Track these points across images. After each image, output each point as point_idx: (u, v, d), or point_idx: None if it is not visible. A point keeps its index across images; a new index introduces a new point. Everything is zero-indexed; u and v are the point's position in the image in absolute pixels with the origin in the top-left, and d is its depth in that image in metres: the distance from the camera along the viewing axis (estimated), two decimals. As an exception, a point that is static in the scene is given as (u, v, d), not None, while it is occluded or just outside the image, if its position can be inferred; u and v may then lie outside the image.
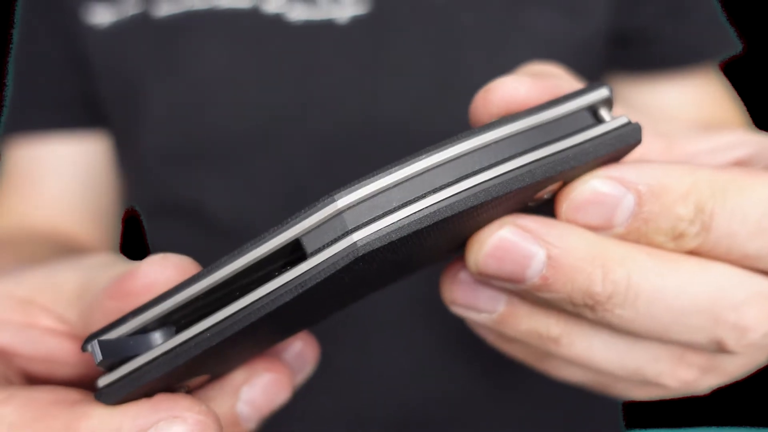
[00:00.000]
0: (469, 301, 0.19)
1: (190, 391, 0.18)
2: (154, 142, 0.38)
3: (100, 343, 0.15)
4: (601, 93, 0.16)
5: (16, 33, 0.43)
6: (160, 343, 0.15)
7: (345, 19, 0.36)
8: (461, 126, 0.17)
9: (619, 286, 0.16)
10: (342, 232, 0.14)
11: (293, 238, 0.14)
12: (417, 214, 0.14)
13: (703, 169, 0.16)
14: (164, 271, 0.16)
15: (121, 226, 0.46)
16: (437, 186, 0.15)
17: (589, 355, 0.18)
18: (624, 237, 0.16)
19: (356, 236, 0.14)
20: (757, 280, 0.17)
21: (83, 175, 0.42)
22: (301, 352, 0.20)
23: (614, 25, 0.40)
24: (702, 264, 0.16)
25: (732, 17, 0.44)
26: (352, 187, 0.14)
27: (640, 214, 0.16)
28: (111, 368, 0.16)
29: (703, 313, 0.16)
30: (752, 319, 0.17)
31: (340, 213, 0.14)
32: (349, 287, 0.16)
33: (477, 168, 0.15)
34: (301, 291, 0.14)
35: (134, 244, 0.50)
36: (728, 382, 0.20)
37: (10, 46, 0.44)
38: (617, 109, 0.19)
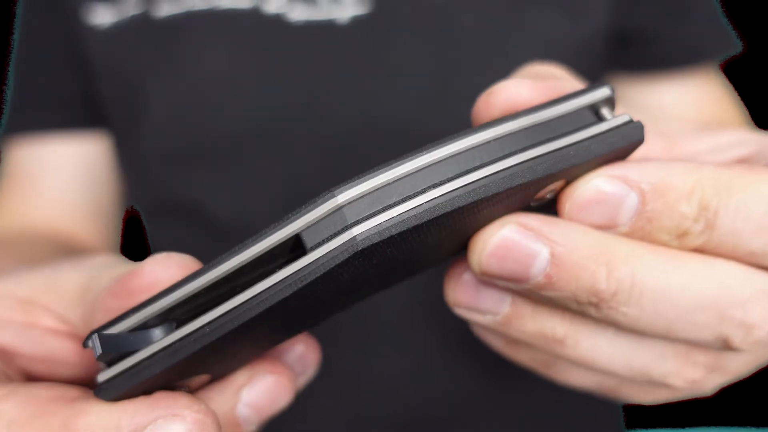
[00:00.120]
0: (472, 302, 0.18)
1: (191, 392, 0.18)
2: (154, 142, 0.38)
3: (101, 336, 0.15)
4: (603, 92, 0.16)
5: (16, 33, 0.43)
6: (160, 339, 0.15)
7: (345, 19, 0.36)
8: (461, 126, 0.17)
9: (623, 283, 0.16)
10: (342, 227, 0.14)
11: (293, 234, 0.14)
12: (417, 209, 0.14)
13: (707, 167, 0.16)
14: (167, 270, 0.16)
15: (121, 226, 0.46)
16: (437, 181, 0.15)
17: (594, 355, 0.18)
18: (628, 236, 0.16)
19: (356, 230, 0.14)
20: (763, 277, 0.17)
21: (83, 176, 0.42)
22: (303, 354, 0.20)
23: (614, 25, 0.40)
24: (706, 261, 0.16)
25: (732, 17, 0.44)
26: (353, 183, 0.14)
27: (644, 213, 0.16)
28: (111, 364, 0.16)
29: (709, 311, 0.16)
30: (758, 316, 0.17)
31: (340, 208, 0.14)
32: (350, 286, 0.16)
33: (477, 164, 0.15)
34: (300, 285, 0.14)
35: (135, 244, 0.50)
36: (733, 381, 0.20)
37: (11, 46, 0.44)
38: (618, 108, 0.19)
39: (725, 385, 0.20)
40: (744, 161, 0.19)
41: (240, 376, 0.18)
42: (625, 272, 0.16)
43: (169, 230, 0.40)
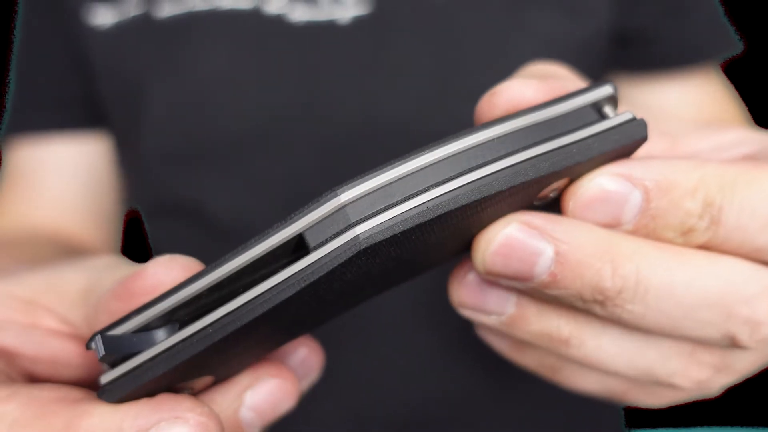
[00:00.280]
0: (477, 303, 0.18)
1: (194, 394, 0.18)
2: (154, 142, 0.38)
3: (104, 338, 0.15)
4: (606, 90, 0.16)
5: (17, 34, 0.43)
6: (163, 340, 0.15)
7: (346, 19, 0.36)
8: (462, 126, 0.17)
9: (628, 281, 0.16)
10: (345, 226, 0.14)
11: (297, 233, 0.14)
12: (419, 207, 0.14)
13: (710, 164, 0.16)
14: (170, 272, 0.16)
15: (122, 226, 0.46)
16: (440, 180, 0.15)
17: (599, 355, 0.18)
18: (633, 234, 0.16)
19: (359, 229, 0.14)
20: None
21: (84, 176, 0.42)
22: (306, 358, 0.20)
23: (615, 25, 0.40)
24: (711, 258, 0.16)
25: (732, 17, 0.44)
26: (356, 182, 0.14)
27: (648, 211, 0.16)
28: (114, 365, 0.16)
29: (714, 308, 0.16)
30: (764, 313, 0.17)
31: (343, 207, 0.14)
32: (353, 286, 0.16)
33: (480, 162, 0.15)
34: (303, 285, 0.14)
35: (136, 245, 0.50)
36: (738, 381, 0.20)
37: (12, 46, 0.44)
38: (621, 108, 0.19)
39: (731, 385, 0.20)
40: (747, 159, 0.19)
41: (243, 379, 0.18)
42: (630, 269, 0.16)
43: (169, 230, 0.40)
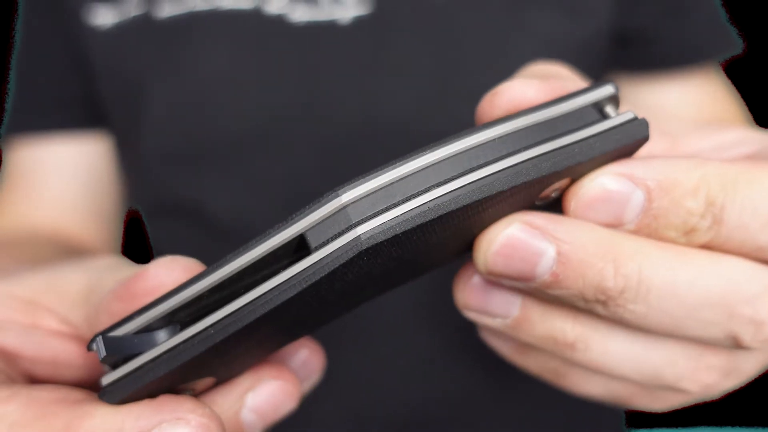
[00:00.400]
0: (482, 305, 0.18)
1: (195, 395, 0.18)
2: (154, 142, 0.38)
3: (105, 339, 0.15)
4: (607, 90, 0.16)
5: (17, 34, 0.43)
6: (164, 341, 0.15)
7: (347, 19, 0.36)
8: (462, 126, 0.17)
9: (630, 280, 0.16)
10: (346, 226, 0.14)
11: (298, 234, 0.14)
12: (421, 207, 0.14)
13: (712, 163, 0.16)
14: (172, 274, 0.16)
15: (123, 227, 0.46)
16: (441, 180, 0.15)
17: (605, 359, 0.18)
18: (635, 234, 0.16)
19: (360, 230, 0.14)
20: None
21: (84, 176, 0.42)
22: (307, 360, 0.20)
23: (615, 24, 0.40)
24: (713, 257, 0.16)
25: (733, 17, 0.44)
26: (357, 182, 0.14)
27: (650, 210, 0.16)
28: (115, 366, 0.16)
29: (717, 307, 0.16)
30: (767, 313, 0.16)
31: (344, 207, 0.14)
32: (355, 286, 0.16)
33: (482, 162, 0.15)
34: (305, 285, 0.14)
35: (136, 245, 0.50)
36: (744, 383, 0.20)
37: (12, 46, 0.44)
38: (622, 107, 0.19)
39: (737, 387, 0.20)
40: (747, 159, 0.19)
41: (245, 381, 0.18)
42: (633, 269, 0.16)
43: (169, 230, 0.40)
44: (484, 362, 0.37)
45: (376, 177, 0.14)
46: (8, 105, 0.43)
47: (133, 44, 0.38)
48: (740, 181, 0.16)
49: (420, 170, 0.15)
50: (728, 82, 0.44)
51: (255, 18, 0.36)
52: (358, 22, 0.36)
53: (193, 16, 0.37)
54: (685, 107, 0.42)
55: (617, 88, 0.16)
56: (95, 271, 0.18)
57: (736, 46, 0.43)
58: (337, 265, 0.14)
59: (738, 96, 0.44)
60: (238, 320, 0.15)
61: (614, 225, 0.16)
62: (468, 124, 0.18)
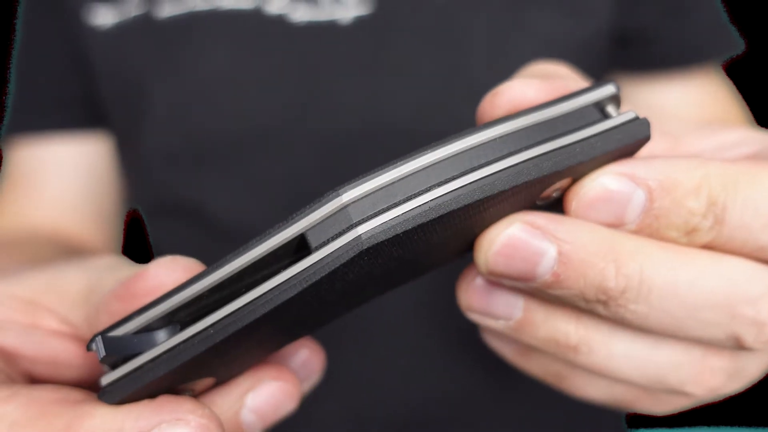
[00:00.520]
0: (485, 307, 0.18)
1: (195, 396, 0.18)
2: (155, 142, 0.38)
3: (104, 339, 0.15)
4: (608, 89, 0.16)
5: (17, 34, 0.43)
6: (164, 341, 0.15)
7: (348, 19, 0.36)
8: (463, 126, 0.17)
9: (632, 280, 0.16)
10: (347, 226, 0.14)
11: (298, 233, 0.14)
12: (422, 207, 0.14)
13: (713, 163, 0.16)
14: (172, 274, 0.16)
15: (123, 227, 0.46)
16: (442, 180, 0.15)
17: (608, 362, 0.18)
18: (636, 234, 0.16)
19: (361, 229, 0.14)
20: None
21: (84, 176, 0.42)
22: (307, 360, 0.20)
23: (615, 25, 0.40)
24: (715, 257, 0.16)
25: (733, 17, 0.44)
26: (358, 182, 0.14)
27: (652, 210, 0.16)
28: (115, 367, 0.16)
29: (719, 308, 0.16)
30: None
31: (344, 207, 0.14)
32: (355, 286, 0.16)
33: (483, 162, 0.15)
34: (305, 285, 0.14)
35: (136, 245, 0.50)
36: (748, 386, 0.20)
37: (12, 46, 0.44)
38: (623, 107, 0.19)
39: (740, 390, 0.20)
40: (748, 159, 0.19)
41: (245, 381, 0.18)
42: (634, 269, 0.16)
43: (169, 230, 0.40)
44: (484, 362, 0.37)
45: (376, 177, 0.14)
46: (8, 105, 0.43)
47: (134, 44, 0.38)
48: (742, 181, 0.16)
49: (421, 170, 0.15)
50: (729, 82, 0.44)
51: (255, 18, 0.36)
52: (359, 22, 0.36)
53: (194, 16, 0.37)
54: (686, 107, 0.42)
55: (618, 88, 0.16)
56: (95, 270, 0.18)
57: (736, 46, 0.43)
58: (337, 265, 0.14)
59: (739, 96, 0.44)
60: (238, 320, 0.15)
61: (615, 225, 0.16)
62: (469, 124, 0.18)
